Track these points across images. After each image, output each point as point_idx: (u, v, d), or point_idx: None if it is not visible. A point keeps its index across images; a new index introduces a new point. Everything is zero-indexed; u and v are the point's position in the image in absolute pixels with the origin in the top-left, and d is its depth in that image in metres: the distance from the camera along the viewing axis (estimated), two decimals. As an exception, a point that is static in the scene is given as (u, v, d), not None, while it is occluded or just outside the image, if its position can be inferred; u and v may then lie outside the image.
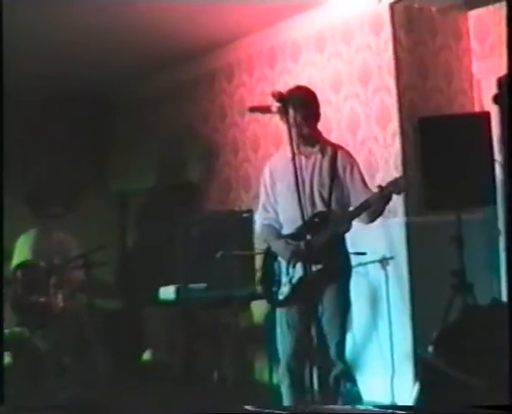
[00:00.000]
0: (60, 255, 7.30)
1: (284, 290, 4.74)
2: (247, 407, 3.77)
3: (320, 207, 4.70)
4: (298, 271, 4.65)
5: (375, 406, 5.17)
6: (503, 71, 5.83)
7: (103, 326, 7.62)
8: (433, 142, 5.61)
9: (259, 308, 6.70)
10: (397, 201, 5.63)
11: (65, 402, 6.02)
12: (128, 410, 5.65)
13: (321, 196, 4.70)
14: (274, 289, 4.80)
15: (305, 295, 4.47)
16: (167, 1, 6.26)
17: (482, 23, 6.45)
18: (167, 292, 7.19)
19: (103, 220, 8.87)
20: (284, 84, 6.55)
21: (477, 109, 6.43)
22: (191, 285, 6.88)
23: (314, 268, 4.44)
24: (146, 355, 8.15)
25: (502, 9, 6.02)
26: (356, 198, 4.72)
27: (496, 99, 5.96)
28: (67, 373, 6.87)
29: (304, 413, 4.20)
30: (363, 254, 6.02)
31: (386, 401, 6.10)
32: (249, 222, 5.17)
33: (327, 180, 4.71)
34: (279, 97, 4.37)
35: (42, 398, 6.21)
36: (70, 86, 8.34)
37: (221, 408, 5.65)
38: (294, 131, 4.54)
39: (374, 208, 4.60)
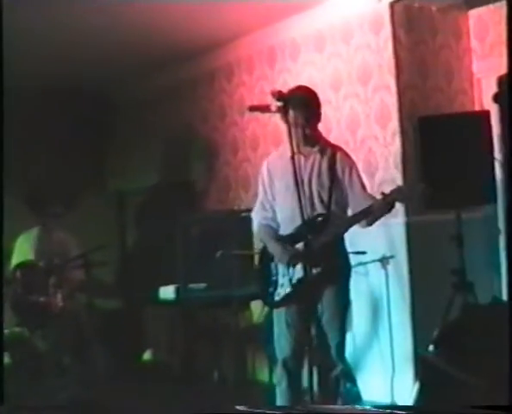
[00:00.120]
0: (60, 255, 7.30)
1: (281, 291, 4.73)
2: (242, 407, 3.75)
3: (319, 207, 4.68)
4: (297, 272, 4.64)
5: (375, 406, 5.15)
6: (503, 70, 5.83)
7: (103, 326, 7.62)
8: (433, 141, 5.60)
9: (258, 308, 6.69)
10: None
11: (65, 402, 6.01)
12: (128, 410, 5.64)
13: (320, 196, 4.69)
14: (271, 289, 4.79)
15: (304, 296, 4.46)
16: (167, 0, 6.25)
17: (482, 22, 6.45)
18: (167, 292, 7.19)
19: (102, 220, 8.86)
20: (284, 84, 6.57)
21: (477, 108, 6.43)
22: (191, 285, 6.89)
23: (313, 270, 4.44)
24: (146, 355, 8.16)
25: (502, 8, 6.01)
26: (354, 201, 4.71)
27: (496, 98, 5.96)
28: (67, 372, 6.87)
29: (303, 413, 4.19)
30: (363, 253, 6.02)
31: (386, 401, 6.09)
32: (249, 221, 5.16)
33: (326, 181, 4.70)
34: (280, 97, 4.36)
35: (42, 397, 6.20)
36: (69, 86, 8.34)
37: (220, 408, 5.65)
38: (294, 131, 4.53)
39: (377, 215, 4.59)
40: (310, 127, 4.71)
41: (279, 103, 4.34)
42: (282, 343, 4.78)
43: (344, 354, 4.84)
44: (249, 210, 5.18)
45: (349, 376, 4.98)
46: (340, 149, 4.86)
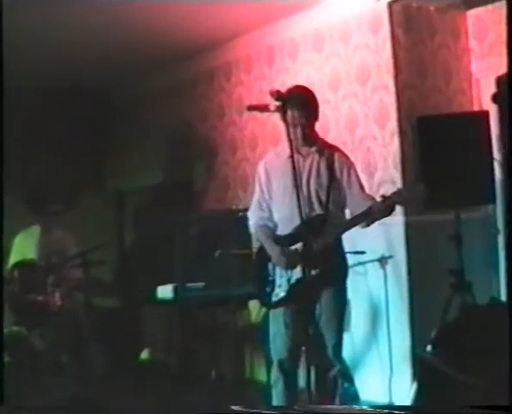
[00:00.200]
0: (58, 254, 7.30)
1: (279, 291, 4.72)
2: (238, 407, 3.75)
3: (317, 208, 4.67)
4: (295, 273, 4.63)
5: (373, 406, 5.16)
6: (502, 70, 5.84)
7: (101, 325, 7.61)
8: (431, 141, 5.60)
9: (256, 307, 6.68)
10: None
11: (63, 400, 6.00)
12: (126, 409, 5.64)
13: (318, 197, 4.68)
14: (268, 290, 4.77)
15: (302, 296, 4.44)
16: (166, 0, 6.25)
17: (481, 22, 6.44)
18: (165, 291, 7.17)
19: (101, 219, 8.87)
20: (283, 83, 6.56)
21: (475, 108, 6.42)
22: (189, 284, 6.87)
23: (312, 271, 4.43)
24: (144, 354, 8.15)
25: (501, 8, 6.02)
26: (352, 202, 4.70)
27: (495, 98, 5.96)
28: (65, 371, 6.87)
29: (301, 413, 4.18)
30: (362, 253, 6.02)
31: (384, 401, 6.09)
32: (247, 220, 5.17)
33: (324, 181, 4.69)
34: (278, 96, 4.36)
35: (40, 396, 6.19)
36: (69, 85, 8.34)
37: (218, 407, 5.65)
38: (292, 130, 4.53)
39: (377, 217, 4.58)
40: (308, 127, 4.70)
41: (278, 103, 4.34)
42: (278, 344, 4.77)
43: (341, 354, 4.84)
44: (247, 210, 5.17)
45: (347, 376, 4.97)
46: (338, 149, 4.86)
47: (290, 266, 4.63)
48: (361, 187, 4.77)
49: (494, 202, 5.90)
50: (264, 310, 5.25)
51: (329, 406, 4.59)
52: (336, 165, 4.72)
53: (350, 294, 4.93)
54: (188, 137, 8.40)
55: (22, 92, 7.26)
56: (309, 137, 4.72)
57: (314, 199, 4.68)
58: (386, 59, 6.22)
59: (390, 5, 6.20)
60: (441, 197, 5.32)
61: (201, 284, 6.81)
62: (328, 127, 6.56)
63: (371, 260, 6.23)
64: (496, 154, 5.93)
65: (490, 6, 6.32)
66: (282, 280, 4.70)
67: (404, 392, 5.66)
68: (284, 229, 4.75)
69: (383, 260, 6.23)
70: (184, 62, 8.07)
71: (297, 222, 4.47)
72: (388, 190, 4.78)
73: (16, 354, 6.80)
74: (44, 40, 6.82)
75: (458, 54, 6.49)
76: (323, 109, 6.52)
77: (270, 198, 4.86)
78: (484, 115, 5.80)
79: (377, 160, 6.31)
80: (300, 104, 4.61)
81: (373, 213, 4.51)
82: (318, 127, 4.86)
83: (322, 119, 5.97)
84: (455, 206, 5.57)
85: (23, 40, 6.31)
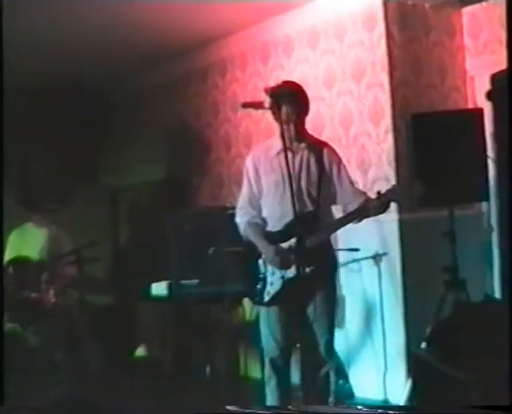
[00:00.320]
0: (52, 251, 7.29)
1: (271, 289, 4.66)
2: (232, 407, 3.74)
3: (308, 204, 4.64)
4: (288, 271, 4.60)
5: (367, 405, 5.17)
6: (497, 67, 5.87)
7: (95, 322, 7.60)
8: (426, 139, 5.60)
9: (251, 304, 6.69)
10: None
11: (58, 397, 5.99)
12: (120, 406, 5.64)
13: (308, 192, 4.65)
14: (259, 287, 4.70)
15: (296, 294, 4.43)
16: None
17: (475, 20, 6.45)
18: (159, 288, 7.17)
19: (95, 215, 8.84)
20: (277, 80, 6.52)
21: (470, 105, 6.43)
22: (184, 281, 6.86)
23: (306, 269, 4.42)
24: (138, 351, 8.14)
25: (495, 5, 6.05)
26: (343, 197, 4.69)
27: (490, 96, 5.98)
28: (59, 368, 6.85)
29: (296, 413, 4.18)
30: (356, 250, 6.03)
31: (379, 398, 6.10)
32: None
33: (315, 177, 4.66)
34: (272, 93, 4.36)
35: (35, 392, 6.18)
36: (62, 83, 8.33)
37: (212, 404, 5.65)
38: (286, 127, 4.53)
39: (371, 215, 4.56)
40: (299, 122, 4.67)
41: (272, 100, 4.34)
42: (270, 342, 4.73)
43: (333, 350, 4.84)
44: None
45: (341, 372, 4.98)
46: (327, 145, 4.83)
47: (284, 265, 4.58)
48: (351, 182, 4.75)
49: (488, 199, 5.92)
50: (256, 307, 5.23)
51: (325, 406, 4.57)
52: (326, 160, 4.69)
53: (344, 291, 4.94)
54: (182, 134, 8.39)
55: (16, 91, 7.24)
56: (299, 133, 4.68)
57: (305, 195, 4.64)
58: (381, 57, 6.23)
59: (385, 2, 6.21)
60: (435, 195, 5.33)
61: (195, 281, 6.81)
62: (323, 124, 6.57)
63: (366, 258, 6.24)
64: (491, 152, 5.95)
65: (484, 4, 6.34)
66: (273, 278, 4.64)
67: (399, 389, 5.67)
68: (273, 226, 4.71)
69: (377, 258, 6.23)
70: (178, 59, 8.06)
71: (288, 218, 4.48)
72: (382, 187, 4.77)
73: (11, 351, 6.78)
74: (44, 39, 6.82)
75: (452, 52, 6.50)
76: (318, 106, 6.56)
77: (259, 194, 4.79)
78: (479, 112, 5.81)
79: (372, 157, 6.32)
80: (292, 101, 4.59)
81: (368, 210, 4.50)
82: (313, 124, 4.86)
83: (317, 116, 5.99)
84: (449, 203, 5.58)
85: (23, 40, 6.31)
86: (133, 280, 8.30)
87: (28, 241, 7.42)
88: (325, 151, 4.74)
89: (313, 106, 5.01)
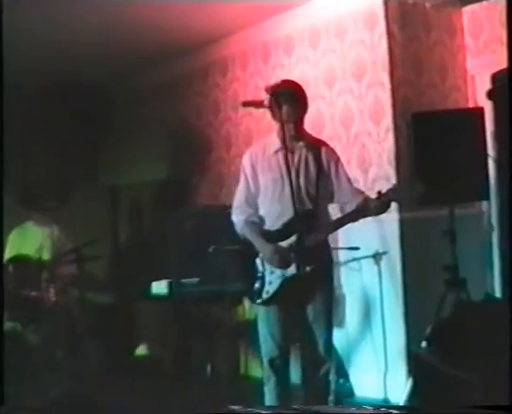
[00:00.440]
0: (52, 250, 7.29)
1: (269, 288, 4.63)
2: (235, 407, 3.74)
3: (307, 202, 4.62)
4: (288, 270, 4.60)
5: (367, 405, 5.16)
6: (497, 67, 5.86)
7: (95, 321, 7.59)
8: (426, 138, 5.60)
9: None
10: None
11: (58, 397, 5.99)
12: (121, 405, 5.63)
13: (307, 191, 4.64)
14: (257, 287, 4.67)
15: (295, 293, 4.43)
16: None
17: (476, 19, 6.45)
18: (159, 287, 7.17)
19: (95, 214, 8.84)
20: (278, 79, 6.54)
21: (470, 104, 6.43)
22: (184, 280, 6.87)
23: (306, 268, 4.41)
24: (139, 350, 8.14)
25: (496, 5, 6.04)
26: (341, 196, 4.68)
27: (490, 95, 5.98)
28: (59, 367, 6.85)
29: (296, 412, 4.18)
30: (356, 249, 6.02)
31: (379, 397, 6.10)
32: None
33: (313, 176, 4.65)
34: (273, 92, 4.36)
35: (36, 391, 6.18)
36: (62, 81, 8.33)
37: (213, 403, 5.65)
38: (286, 126, 4.52)
39: (372, 214, 4.54)
40: (298, 121, 4.66)
41: (272, 98, 4.34)
42: (269, 342, 4.70)
43: (332, 350, 4.82)
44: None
45: (341, 371, 4.97)
46: (325, 144, 4.82)
47: (283, 265, 4.56)
48: (349, 181, 4.74)
49: (488, 198, 5.91)
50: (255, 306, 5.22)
51: (326, 406, 4.56)
52: (324, 159, 4.69)
53: (345, 290, 4.93)
54: (183, 133, 8.39)
55: (16, 89, 7.24)
56: (298, 132, 4.68)
57: (303, 194, 4.63)
58: (382, 56, 6.22)
59: (385, 2, 6.21)
60: (436, 194, 5.32)
61: (195, 279, 6.81)
62: (323, 123, 6.56)
63: (366, 257, 6.24)
64: (491, 151, 5.94)
65: (485, 3, 6.34)
66: (272, 277, 4.62)
67: (399, 388, 5.67)
68: (271, 225, 4.68)
69: (377, 257, 6.23)
70: (180, 58, 8.05)
71: (287, 217, 4.48)
72: (382, 186, 4.77)
73: (11, 349, 6.78)
74: (44, 39, 6.82)
75: (453, 51, 6.50)
76: (318, 105, 6.56)
77: (256, 192, 4.76)
78: (479, 111, 5.81)
79: (372, 157, 6.31)
80: (291, 100, 4.59)
81: (368, 210, 4.49)
82: (313, 122, 4.86)
83: (317, 115, 5.99)
84: (449, 202, 5.58)
85: (23, 39, 6.31)
86: (133, 279, 8.30)
87: (28, 240, 7.42)
88: (323, 149, 4.73)
89: (313, 105, 5.03)
